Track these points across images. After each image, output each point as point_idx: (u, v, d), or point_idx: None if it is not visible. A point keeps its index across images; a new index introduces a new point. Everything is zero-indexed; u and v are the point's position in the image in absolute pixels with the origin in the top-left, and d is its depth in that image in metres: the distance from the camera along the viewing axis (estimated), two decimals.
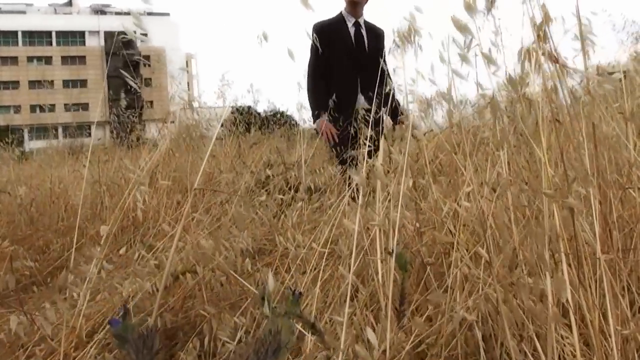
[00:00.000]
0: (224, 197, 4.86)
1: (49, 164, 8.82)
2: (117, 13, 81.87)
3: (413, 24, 2.44)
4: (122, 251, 2.44)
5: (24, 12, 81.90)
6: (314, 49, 5.41)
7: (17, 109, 76.41)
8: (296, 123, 10.86)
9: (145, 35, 1.85)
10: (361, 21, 5.54)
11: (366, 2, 5.55)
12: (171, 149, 6.20)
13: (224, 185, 5.32)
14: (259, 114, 13.25)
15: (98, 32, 79.71)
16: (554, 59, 2.07)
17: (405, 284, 1.42)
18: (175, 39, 79.85)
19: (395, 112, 4.16)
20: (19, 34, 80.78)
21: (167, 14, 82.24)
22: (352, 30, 5.51)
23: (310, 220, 3.02)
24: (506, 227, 1.67)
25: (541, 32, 1.72)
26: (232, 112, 10.25)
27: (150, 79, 68.70)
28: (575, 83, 2.19)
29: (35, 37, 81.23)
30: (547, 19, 1.73)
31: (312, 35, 5.27)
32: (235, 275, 2.19)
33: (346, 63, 5.38)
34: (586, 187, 1.54)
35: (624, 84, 2.07)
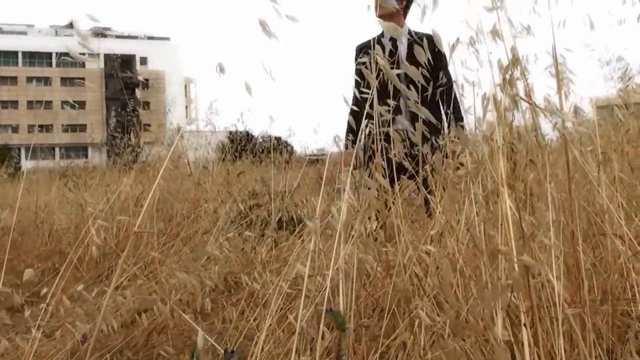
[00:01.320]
0: (205, 226, 4.80)
1: (37, 186, 8.76)
2: (118, 36, 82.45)
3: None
4: (79, 288, 2.35)
5: (25, 33, 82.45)
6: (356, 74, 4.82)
7: (15, 128, 76.65)
8: (292, 149, 10.77)
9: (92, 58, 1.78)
10: (406, 32, 4.78)
11: (402, 13, 4.90)
12: (154, 176, 6.13)
13: (204, 215, 5.24)
14: (253, 138, 13.22)
15: (98, 54, 79.87)
16: (527, 99, 2.00)
17: (342, 345, 1.34)
18: (175, 63, 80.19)
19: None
20: (19, 55, 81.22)
21: (167, 39, 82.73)
22: (388, 45, 4.85)
23: (279, 258, 2.93)
24: (451, 285, 1.59)
25: (507, 75, 1.65)
26: (228, 138, 10.22)
27: (148, 102, 68.98)
28: (552, 123, 2.12)
29: (35, 57, 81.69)
30: (515, 62, 1.67)
31: (355, 57, 4.95)
32: (186, 316, 2.11)
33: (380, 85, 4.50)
34: (548, 239, 1.47)
35: (596, 125, 2.01)
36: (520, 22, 1.94)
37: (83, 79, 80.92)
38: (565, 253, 1.81)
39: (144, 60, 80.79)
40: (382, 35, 4.75)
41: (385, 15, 4.72)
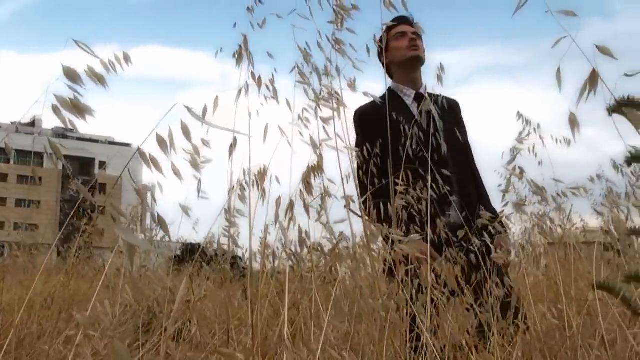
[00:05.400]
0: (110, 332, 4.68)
1: None
2: (79, 138, 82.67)
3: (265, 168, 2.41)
4: None
5: None
6: (360, 149, 3.21)
7: None
8: (239, 265, 10.63)
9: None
10: (424, 92, 3.57)
11: (422, 63, 3.72)
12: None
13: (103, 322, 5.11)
14: (200, 249, 13.05)
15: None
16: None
17: None
18: (135, 169, 79.72)
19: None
20: None
21: (129, 145, 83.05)
22: (413, 107, 3.57)
23: None
24: None
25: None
26: (181, 249, 10.18)
27: (104, 207, 68.40)
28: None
29: None
30: (290, 208, 1.72)
31: (355, 127, 3.62)
32: None
33: (414, 158, 3.11)
34: None
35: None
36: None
37: (40, 178, 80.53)
38: None
39: (102, 165, 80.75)
40: (395, 95, 3.66)
41: (414, 56, 3.65)
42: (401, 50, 3.63)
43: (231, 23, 2.35)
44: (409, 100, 3.62)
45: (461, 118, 3.77)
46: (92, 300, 5.33)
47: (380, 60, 3.68)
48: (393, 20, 3.48)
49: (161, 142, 1.27)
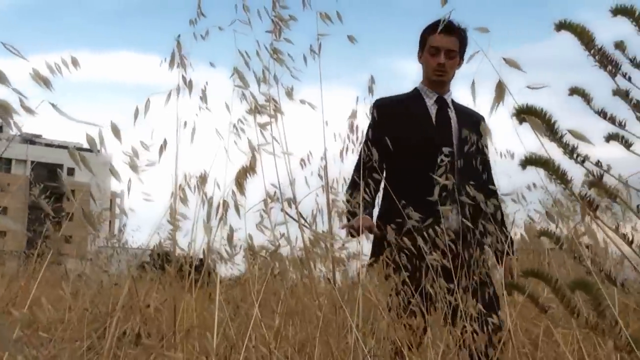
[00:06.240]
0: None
1: None
2: (47, 144, 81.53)
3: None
4: None
5: None
6: (368, 135, 3.59)
7: None
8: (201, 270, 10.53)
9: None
10: (448, 98, 3.75)
11: (452, 76, 3.76)
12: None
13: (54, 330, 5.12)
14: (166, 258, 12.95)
15: (25, 161, 78.82)
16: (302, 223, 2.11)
17: None
18: (103, 176, 78.71)
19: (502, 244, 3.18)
20: None
21: (99, 151, 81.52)
22: (433, 109, 3.71)
23: None
24: None
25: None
26: (149, 256, 10.07)
27: (72, 213, 67.54)
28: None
29: None
30: (224, 207, 1.79)
31: (371, 117, 3.67)
32: None
33: (423, 157, 3.45)
34: None
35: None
36: None
37: (8, 184, 79.36)
38: None
39: (71, 171, 79.77)
40: (419, 95, 3.75)
41: (440, 79, 3.73)
42: (428, 69, 3.70)
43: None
44: (429, 102, 3.70)
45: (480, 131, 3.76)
46: (51, 305, 5.35)
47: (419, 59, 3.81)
48: (433, 25, 3.61)
49: (91, 142, 1.34)
